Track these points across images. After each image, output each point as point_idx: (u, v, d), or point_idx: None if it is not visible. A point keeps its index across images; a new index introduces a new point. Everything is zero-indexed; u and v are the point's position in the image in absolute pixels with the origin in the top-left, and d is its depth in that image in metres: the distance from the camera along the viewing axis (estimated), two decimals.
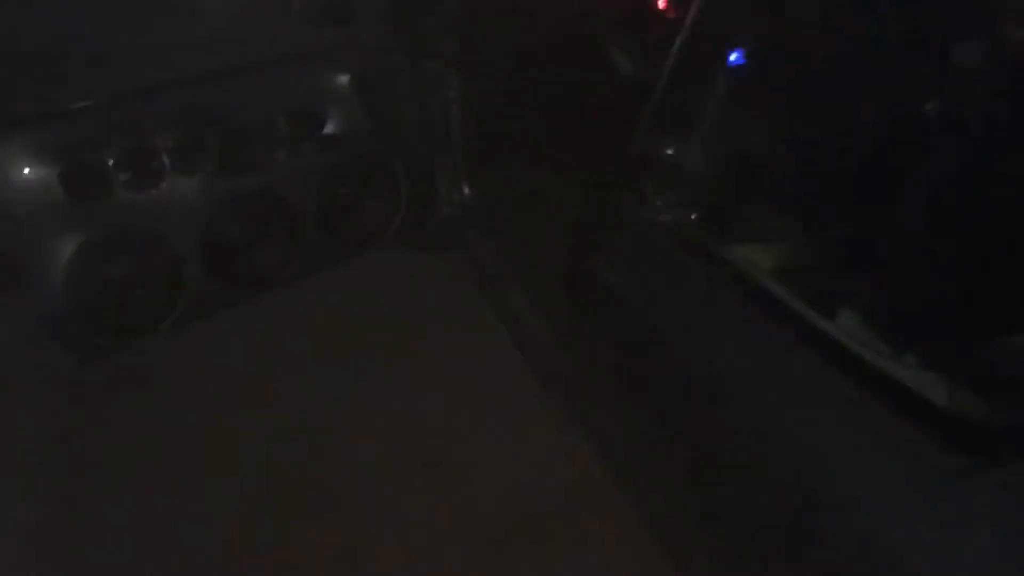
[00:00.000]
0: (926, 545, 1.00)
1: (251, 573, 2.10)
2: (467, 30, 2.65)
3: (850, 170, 1.48)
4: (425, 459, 2.36)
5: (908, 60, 1.43)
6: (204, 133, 2.36)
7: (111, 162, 2.25)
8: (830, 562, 1.11)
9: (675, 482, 1.66)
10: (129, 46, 2.30)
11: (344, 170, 2.63)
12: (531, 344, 2.45)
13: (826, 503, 1.14)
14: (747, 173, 1.63)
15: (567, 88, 2.69)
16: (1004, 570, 0.92)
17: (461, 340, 2.74)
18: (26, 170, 2.16)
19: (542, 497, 2.20)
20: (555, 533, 2.12)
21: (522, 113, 2.70)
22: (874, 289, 1.37)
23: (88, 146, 2.24)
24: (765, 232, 1.55)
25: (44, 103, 2.23)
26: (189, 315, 2.47)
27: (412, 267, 3.04)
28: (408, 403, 2.56)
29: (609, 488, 2.07)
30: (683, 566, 1.72)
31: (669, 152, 1.62)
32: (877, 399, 1.11)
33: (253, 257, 2.56)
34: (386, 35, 2.62)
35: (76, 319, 2.31)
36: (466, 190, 2.77)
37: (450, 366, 2.68)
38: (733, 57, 1.66)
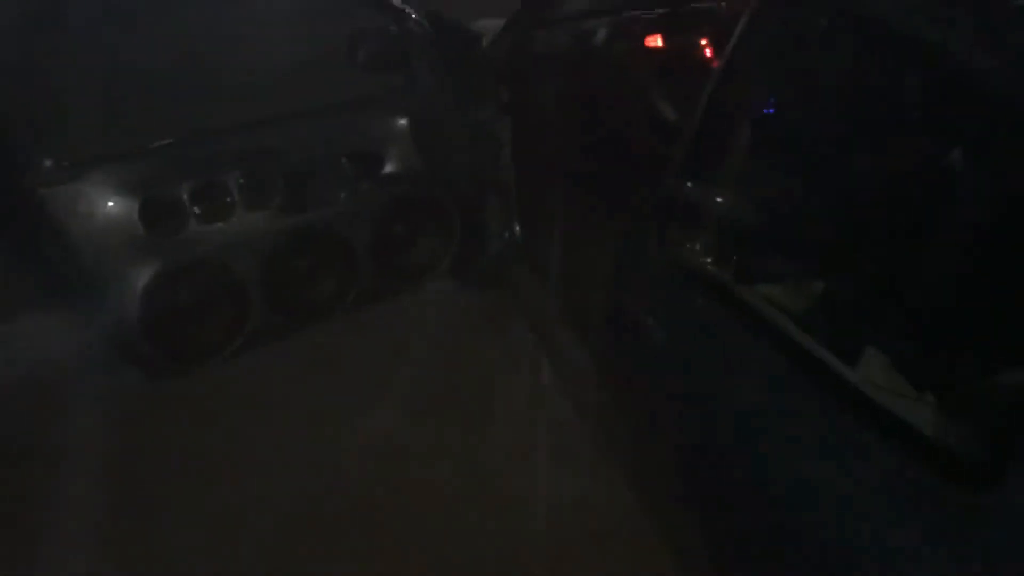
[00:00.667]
0: None
1: None
2: (517, 79, 2.77)
3: (865, 220, 1.55)
4: (470, 487, 2.47)
5: (927, 113, 1.50)
6: (271, 171, 2.53)
7: (186, 197, 2.43)
8: None
9: (694, 517, 1.72)
10: (205, 89, 2.49)
11: (400, 208, 2.77)
12: (574, 379, 2.54)
13: (840, 545, 1.22)
14: (769, 219, 1.70)
15: (613, 134, 2.82)
16: None
17: (507, 373, 2.85)
18: (110, 203, 2.34)
19: (576, 526, 2.28)
20: (587, 560, 2.21)
21: (569, 157, 2.81)
22: (895, 331, 1.43)
23: (166, 182, 2.41)
24: (785, 275, 1.62)
25: (127, 141, 2.42)
26: (251, 343, 2.63)
27: (463, 303, 3.19)
28: (456, 433, 2.68)
29: (640, 519, 2.11)
30: None
31: (695, 196, 1.71)
32: (891, 440, 1.17)
33: (312, 289, 2.71)
34: (441, 83, 2.74)
35: (148, 342, 2.48)
36: (516, 230, 2.88)
37: (497, 398, 2.78)
38: (759, 107, 1.75)
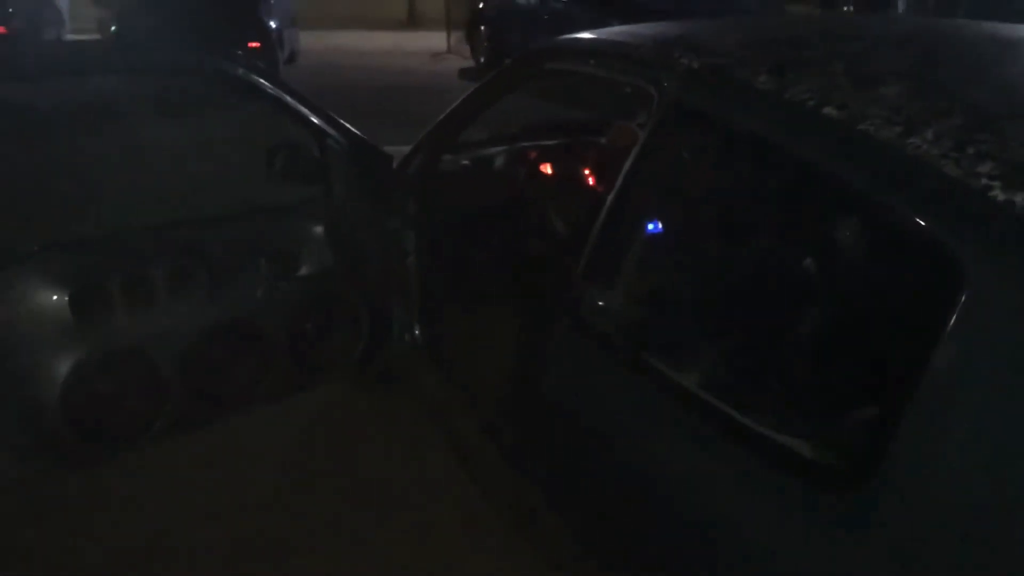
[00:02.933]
0: None
1: None
2: (423, 195, 3.06)
3: (741, 303, 1.89)
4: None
5: (789, 214, 1.87)
6: (196, 268, 2.69)
7: (115, 288, 2.55)
8: None
9: None
10: (138, 189, 2.66)
11: (313, 306, 2.98)
12: (475, 463, 2.72)
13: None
14: (667, 302, 2.03)
15: (510, 245, 3.15)
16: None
17: (411, 460, 3.08)
18: (44, 291, 2.45)
19: None
20: None
21: (470, 265, 3.10)
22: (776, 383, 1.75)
23: (97, 273, 2.54)
24: (685, 347, 1.93)
25: (61, 233, 2.54)
26: (169, 431, 2.72)
27: (365, 399, 3.38)
28: (357, 524, 2.86)
29: None
30: None
31: (599, 294, 2.03)
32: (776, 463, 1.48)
33: (229, 379, 2.84)
34: (354, 195, 3.00)
35: (67, 429, 2.55)
36: (417, 331, 3.12)
37: (399, 485, 3.00)
38: (649, 222, 2.10)
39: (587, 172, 3.22)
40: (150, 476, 2.89)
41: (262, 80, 2.80)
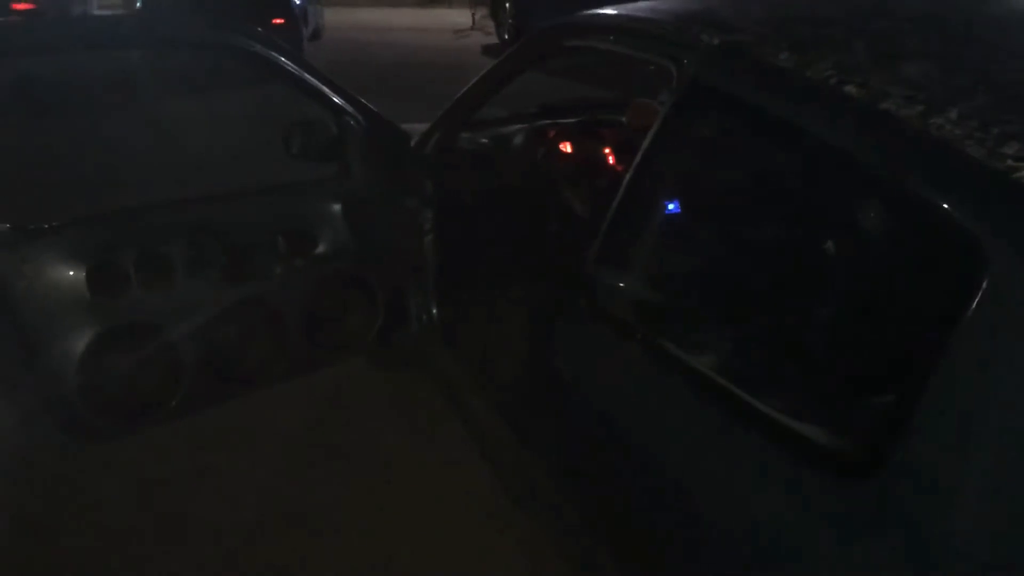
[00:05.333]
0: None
1: None
2: (441, 174, 3.03)
3: (757, 285, 1.86)
4: (384, 552, 2.63)
5: (808, 196, 1.83)
6: (213, 245, 2.69)
7: (131, 265, 2.56)
8: None
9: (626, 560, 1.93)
10: (158, 164, 2.66)
11: (329, 286, 2.97)
12: (489, 443, 2.71)
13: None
14: (683, 284, 2.01)
15: (527, 225, 3.12)
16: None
17: (425, 438, 3.09)
18: (59, 267, 2.46)
19: None
20: None
21: (487, 246, 3.09)
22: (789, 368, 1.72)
23: (113, 249, 2.55)
24: (699, 331, 1.91)
25: (77, 208, 2.55)
26: (184, 408, 2.73)
27: (383, 377, 3.38)
28: (372, 499, 2.87)
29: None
30: None
31: (614, 277, 2.00)
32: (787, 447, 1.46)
33: (244, 357, 2.84)
34: (372, 174, 2.98)
35: (84, 403, 2.56)
36: (434, 312, 3.11)
37: (413, 462, 3.00)
38: (666, 204, 2.06)
39: (607, 151, 3.18)
40: (167, 453, 2.92)
41: (280, 57, 2.78)
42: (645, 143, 1.96)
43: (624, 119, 3.10)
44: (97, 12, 14.71)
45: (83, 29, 2.83)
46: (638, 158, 1.98)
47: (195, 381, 2.71)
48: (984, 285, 1.21)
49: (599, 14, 2.41)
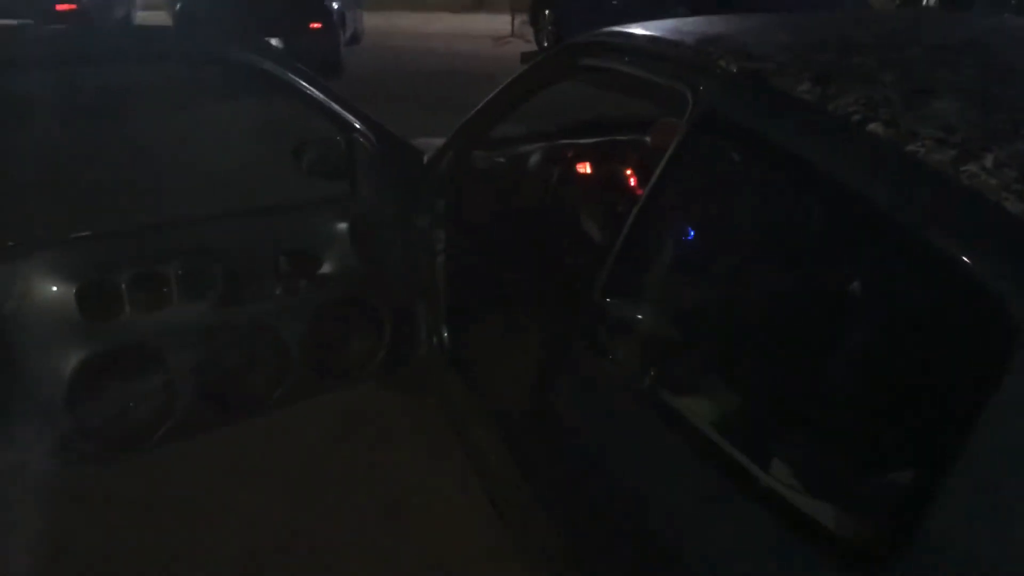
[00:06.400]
0: None
1: None
2: (453, 193, 2.91)
3: (773, 334, 1.71)
4: None
5: (829, 239, 1.68)
6: (211, 266, 2.58)
7: (124, 285, 2.45)
8: None
9: None
10: (152, 182, 2.56)
11: (334, 308, 2.85)
12: (491, 476, 2.59)
13: None
14: (688, 332, 1.86)
15: (542, 249, 2.99)
16: None
17: (428, 469, 2.98)
18: (47, 285, 2.37)
19: None
20: None
21: (499, 269, 2.96)
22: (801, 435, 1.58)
23: (105, 268, 2.44)
24: (705, 385, 1.77)
25: (69, 226, 2.46)
26: (178, 433, 2.63)
27: (389, 404, 3.28)
28: (377, 527, 2.78)
29: None
30: None
31: (619, 310, 1.87)
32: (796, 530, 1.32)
33: (242, 383, 2.74)
34: (382, 192, 2.87)
35: (73, 429, 2.47)
36: (444, 335, 2.99)
37: (417, 492, 2.90)
38: (681, 232, 1.93)
39: (628, 173, 3.04)
40: (167, 478, 2.85)
41: (290, 74, 2.68)
42: (657, 170, 1.83)
43: (647, 139, 2.96)
44: (139, 13, 14.85)
45: (76, 41, 2.74)
46: (649, 186, 1.85)
47: (190, 407, 2.61)
48: (1019, 357, 1.06)
49: (618, 32, 2.27)
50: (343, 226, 2.82)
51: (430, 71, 11.62)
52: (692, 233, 1.91)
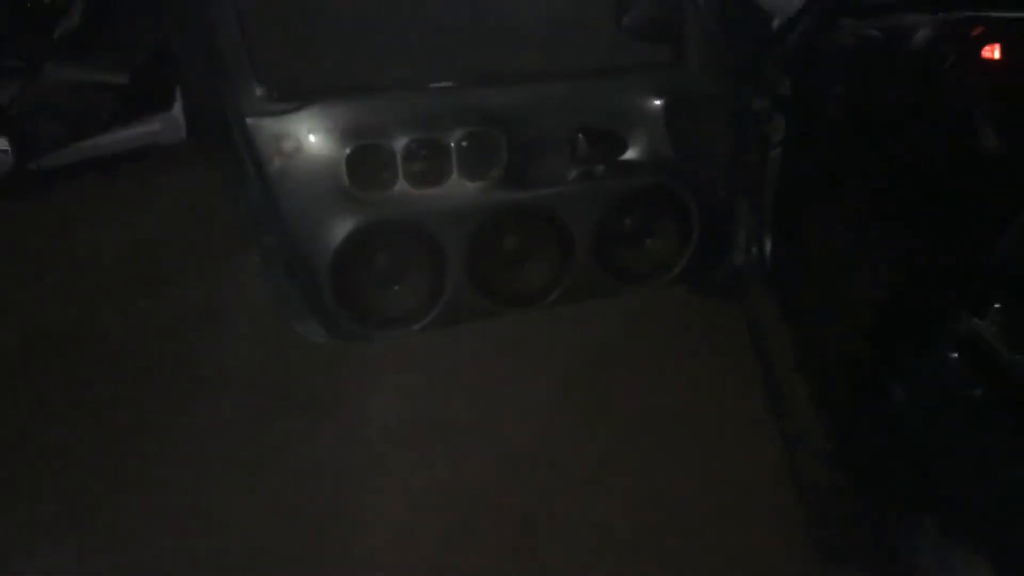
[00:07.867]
0: None
1: None
2: (805, 71, 2.37)
3: None
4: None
5: None
6: (497, 138, 2.25)
7: (399, 153, 2.19)
8: None
9: None
10: (442, 36, 2.24)
11: (634, 200, 2.44)
12: (797, 438, 2.18)
13: None
14: None
15: (910, 156, 2.35)
16: None
17: (713, 399, 2.69)
18: (317, 146, 2.14)
19: None
20: None
21: (853, 177, 2.40)
22: None
23: (380, 132, 2.18)
24: None
25: (345, 81, 2.21)
26: (445, 320, 2.39)
27: (686, 319, 2.91)
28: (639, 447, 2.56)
29: None
30: None
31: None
32: None
33: (519, 274, 2.43)
34: (715, 63, 2.38)
35: (335, 300, 2.29)
36: (767, 247, 2.48)
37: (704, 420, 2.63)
38: None
39: None
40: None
41: None
42: None
43: None
44: None
45: None
46: None
47: (459, 293, 2.34)
48: None
49: None
50: (659, 102, 2.36)
51: None
52: None
